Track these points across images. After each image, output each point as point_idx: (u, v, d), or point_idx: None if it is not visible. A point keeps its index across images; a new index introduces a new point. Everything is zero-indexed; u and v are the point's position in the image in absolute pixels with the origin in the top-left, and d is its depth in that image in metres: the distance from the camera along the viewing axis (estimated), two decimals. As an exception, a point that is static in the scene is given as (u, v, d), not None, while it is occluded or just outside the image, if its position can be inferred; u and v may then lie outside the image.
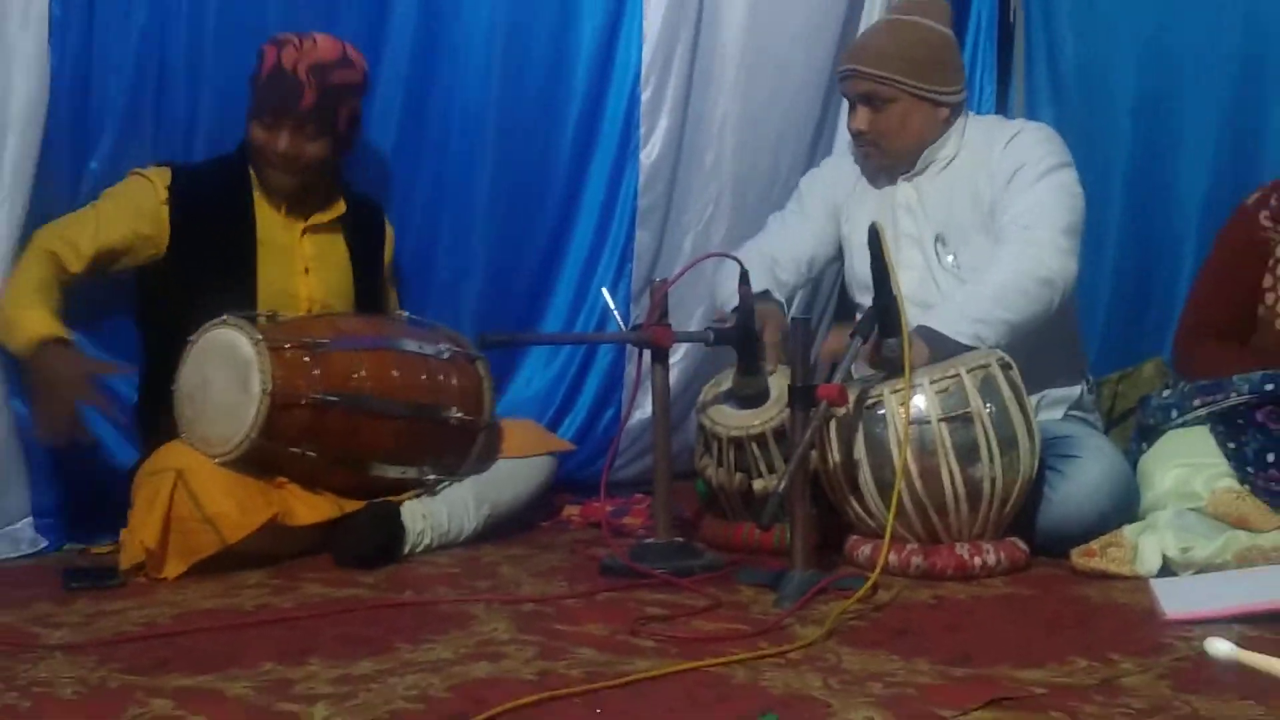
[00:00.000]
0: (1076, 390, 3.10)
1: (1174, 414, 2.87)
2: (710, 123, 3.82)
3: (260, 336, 2.72)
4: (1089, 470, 2.76)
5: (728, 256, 2.97)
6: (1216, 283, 3.17)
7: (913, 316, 2.70)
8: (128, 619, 2.29)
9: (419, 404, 2.90)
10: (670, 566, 2.59)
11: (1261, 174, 3.51)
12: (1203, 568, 2.49)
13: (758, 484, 2.83)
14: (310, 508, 2.78)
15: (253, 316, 2.81)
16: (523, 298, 3.70)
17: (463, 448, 3.00)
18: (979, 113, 3.54)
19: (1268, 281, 3.01)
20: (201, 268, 2.98)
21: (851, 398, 2.60)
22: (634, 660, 1.98)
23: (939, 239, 3.05)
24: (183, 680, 1.88)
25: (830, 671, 1.92)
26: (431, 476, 2.94)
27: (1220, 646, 1.53)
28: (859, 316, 2.74)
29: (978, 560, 2.61)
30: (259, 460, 2.73)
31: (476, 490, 3.01)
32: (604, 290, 3.34)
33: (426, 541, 2.87)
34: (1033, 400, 2.78)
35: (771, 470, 2.82)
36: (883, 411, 2.62)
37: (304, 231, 3.13)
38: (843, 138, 3.98)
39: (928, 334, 2.71)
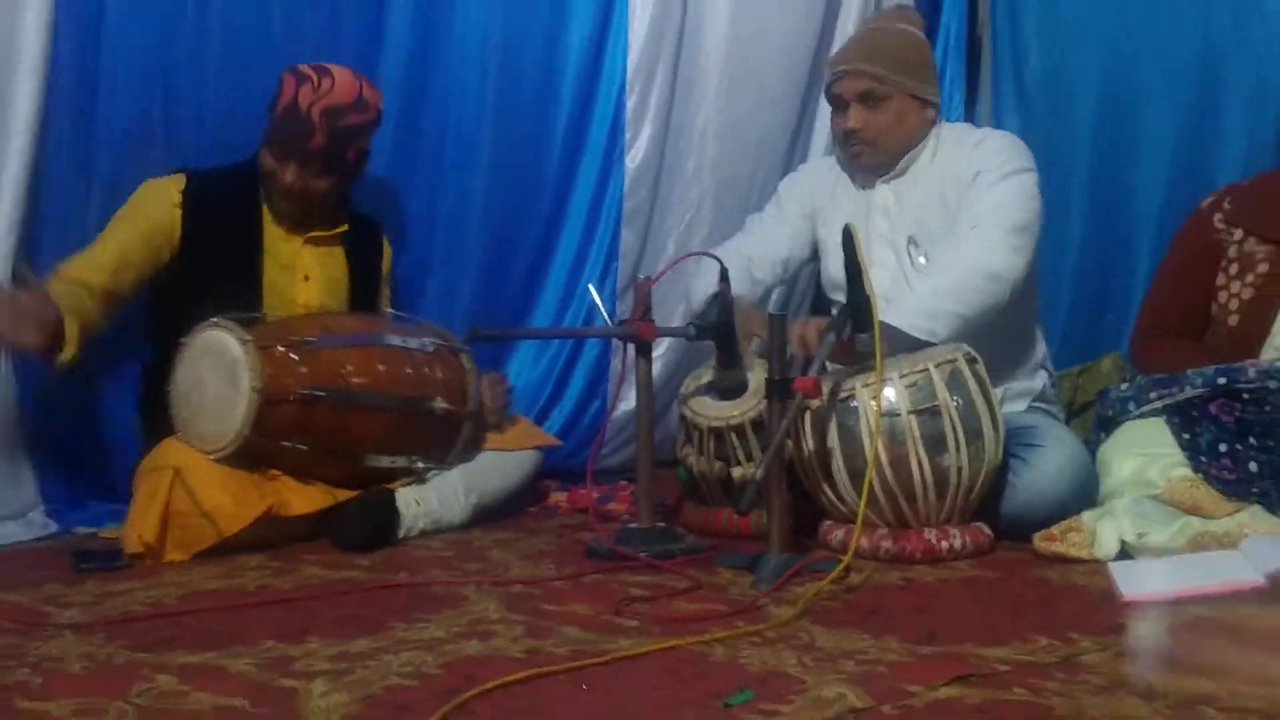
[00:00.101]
0: (1039, 383, 3.10)
1: (1131, 406, 2.88)
2: (692, 130, 3.82)
3: (248, 336, 2.71)
4: (1050, 459, 2.76)
5: (708, 255, 2.98)
6: (1172, 282, 3.18)
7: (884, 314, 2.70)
8: (135, 599, 2.28)
9: (405, 396, 2.89)
10: (653, 550, 2.59)
11: (1216, 179, 3.53)
12: (1158, 552, 2.49)
13: (736, 472, 2.83)
14: (304, 498, 2.78)
15: (242, 318, 2.79)
16: (514, 294, 3.69)
17: (449, 437, 3.00)
18: (948, 120, 3.54)
19: (1221, 281, 3.02)
20: (209, 272, 2.97)
21: (825, 390, 2.61)
22: (618, 639, 1.98)
23: (911, 241, 3.05)
24: (187, 657, 1.88)
25: (804, 649, 1.92)
26: (420, 465, 2.94)
27: None
28: (834, 312, 2.73)
29: (945, 544, 2.61)
30: (252, 455, 2.72)
31: (466, 480, 3.00)
32: (591, 287, 3.34)
33: (420, 527, 2.86)
34: (997, 393, 2.78)
35: (750, 459, 2.82)
36: (855, 404, 2.62)
37: (305, 242, 3.12)
38: (819, 145, 4.00)
39: (884, 329, 2.71)
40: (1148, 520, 2.55)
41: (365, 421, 2.84)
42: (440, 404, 2.94)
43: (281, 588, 2.37)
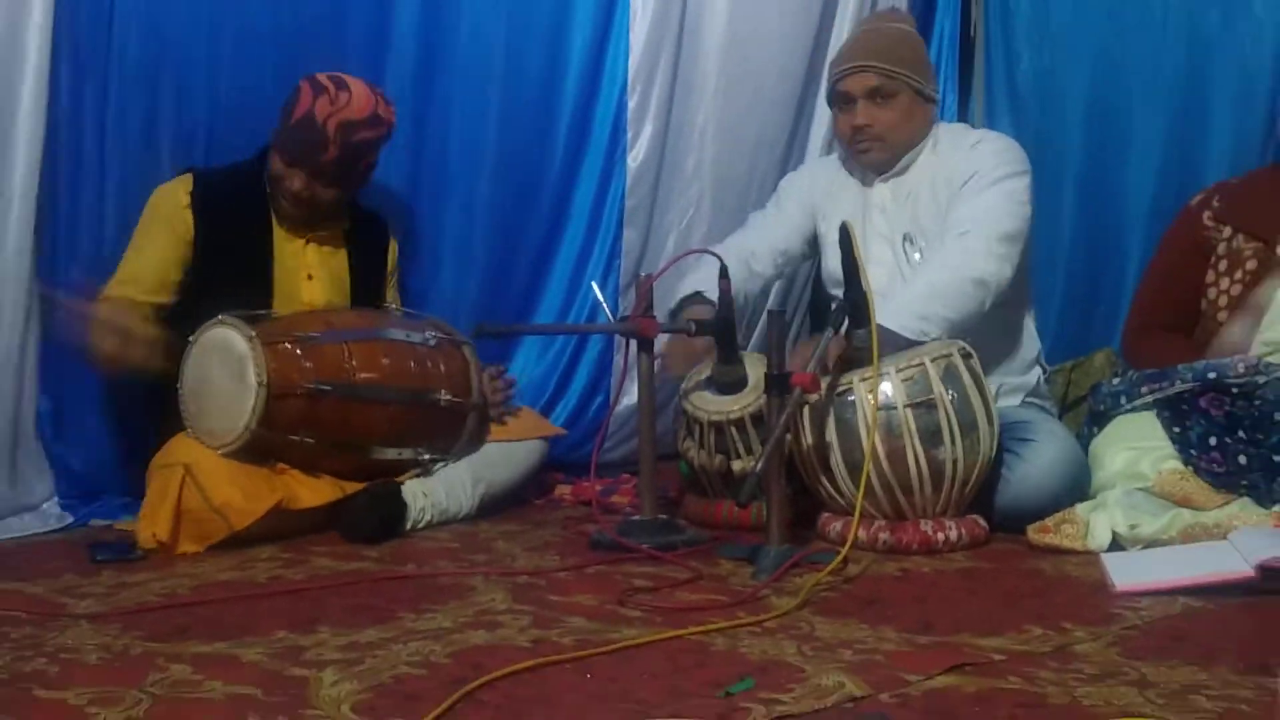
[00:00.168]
0: (1033, 379, 3.10)
1: (1123, 400, 2.88)
2: (692, 129, 3.81)
3: (254, 333, 2.71)
4: (1044, 452, 2.76)
5: (707, 252, 2.97)
6: (1162, 279, 3.18)
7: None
8: (149, 590, 2.28)
9: (409, 389, 2.89)
10: (655, 542, 2.59)
11: (1204, 178, 3.52)
12: (1150, 543, 2.50)
13: (736, 465, 2.83)
14: (312, 491, 2.77)
15: (247, 315, 2.79)
16: (518, 292, 3.69)
17: (454, 429, 2.99)
18: (943, 120, 3.53)
19: (1210, 278, 3.02)
20: (220, 271, 2.97)
21: (823, 385, 2.60)
22: (621, 629, 1.98)
23: (907, 238, 3.04)
24: (201, 647, 1.88)
25: (804, 639, 1.92)
26: (427, 457, 2.93)
27: None
28: (833, 307, 2.73)
29: (941, 536, 2.61)
30: (260, 449, 2.71)
31: (472, 470, 3.00)
32: (594, 285, 3.33)
33: (427, 518, 2.86)
34: (992, 387, 2.78)
35: (749, 452, 2.82)
36: (852, 398, 2.62)
37: (308, 241, 3.11)
38: (815, 143, 4.00)
39: (879, 332, 2.71)
40: (1139, 512, 2.55)
41: (370, 415, 2.83)
42: (444, 396, 2.93)
43: (292, 579, 2.37)
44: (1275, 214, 2.97)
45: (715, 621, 2.00)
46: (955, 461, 2.60)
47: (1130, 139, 3.88)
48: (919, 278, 2.88)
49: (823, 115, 3.91)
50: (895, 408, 2.58)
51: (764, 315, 3.60)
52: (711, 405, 2.86)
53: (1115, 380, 2.96)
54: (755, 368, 2.83)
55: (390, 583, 2.35)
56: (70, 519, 2.89)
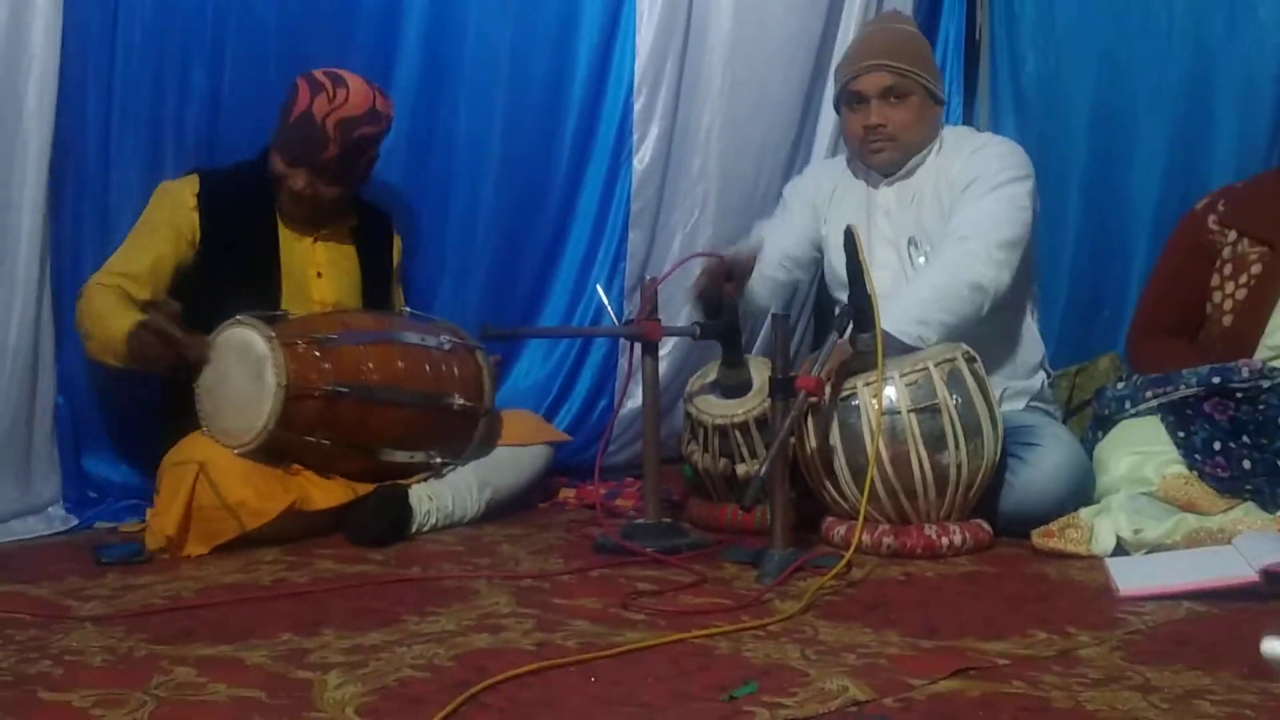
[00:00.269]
0: (1037, 383, 3.09)
1: (1127, 405, 2.88)
2: (697, 131, 3.81)
3: (273, 334, 2.71)
4: (1048, 457, 2.76)
5: (713, 255, 2.97)
6: (1167, 283, 3.18)
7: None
8: (154, 592, 2.28)
9: (424, 393, 2.89)
10: (659, 545, 2.59)
11: (1209, 182, 3.52)
12: (1154, 548, 2.49)
13: (740, 469, 2.83)
14: (325, 492, 2.78)
15: (266, 315, 2.79)
16: (523, 294, 3.69)
17: (466, 433, 3.00)
18: (947, 124, 3.53)
19: (1215, 282, 3.02)
20: (227, 271, 2.97)
21: (828, 389, 2.60)
22: (625, 632, 1.98)
23: (911, 241, 3.04)
24: (205, 650, 1.88)
25: (808, 643, 1.92)
26: (438, 460, 2.94)
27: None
28: (836, 311, 2.73)
29: (945, 540, 2.61)
30: (276, 449, 2.72)
31: (479, 475, 3.00)
32: (599, 288, 3.34)
33: (432, 522, 2.86)
34: (996, 392, 2.78)
35: (753, 456, 2.82)
36: (856, 402, 2.62)
37: (316, 239, 3.12)
38: (821, 146, 4.00)
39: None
40: (1143, 517, 2.55)
41: (386, 417, 2.84)
42: (458, 401, 2.94)
43: (297, 582, 2.37)
44: (1280, 218, 2.98)
45: (719, 625, 2.00)
46: (959, 466, 2.60)
47: (1135, 143, 3.88)
48: (918, 282, 2.88)
49: (828, 117, 3.91)
50: (899, 412, 2.58)
51: (768, 319, 3.60)
52: (716, 409, 2.86)
53: (1120, 385, 2.96)
54: (760, 371, 2.83)
55: (394, 586, 2.36)
56: (75, 521, 2.90)
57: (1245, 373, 2.63)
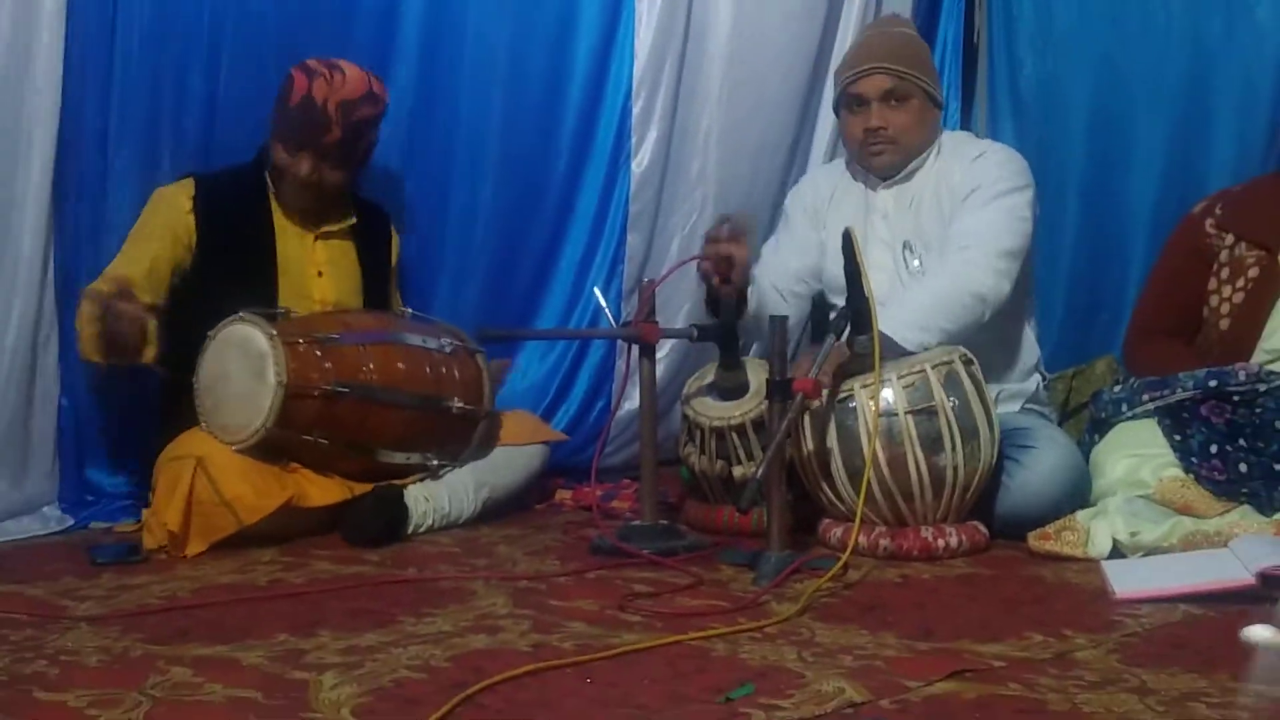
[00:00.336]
0: (1031, 385, 3.09)
1: (1124, 408, 2.88)
2: (696, 134, 3.81)
3: (275, 331, 2.72)
4: (1045, 459, 2.76)
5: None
6: (1164, 286, 3.18)
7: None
8: (150, 592, 2.28)
9: (423, 394, 2.89)
10: (655, 547, 2.59)
11: (1206, 185, 3.52)
12: (1150, 550, 2.49)
13: (737, 471, 2.83)
14: (322, 490, 2.78)
15: (268, 313, 2.80)
16: (521, 296, 3.69)
17: (464, 435, 3.00)
18: (945, 128, 3.53)
19: (1212, 285, 3.02)
20: (225, 272, 2.98)
21: (825, 391, 2.60)
22: (622, 634, 1.98)
23: (906, 245, 3.03)
24: (201, 650, 1.88)
25: (804, 645, 1.92)
26: (435, 462, 2.94)
27: (1260, 632, 1.53)
28: (832, 315, 2.73)
29: (941, 542, 2.61)
30: (274, 447, 2.72)
31: (476, 475, 3.00)
32: (596, 290, 3.33)
33: (429, 523, 2.86)
34: (992, 394, 2.78)
35: (750, 458, 2.82)
36: (853, 404, 2.62)
37: (317, 238, 3.12)
38: (819, 149, 4.00)
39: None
40: (1140, 519, 2.55)
41: (385, 418, 2.84)
42: (457, 403, 2.94)
43: (293, 582, 2.37)
44: (1277, 221, 2.97)
45: (716, 627, 2.00)
46: (956, 468, 2.60)
47: (1133, 146, 3.88)
48: (920, 288, 2.88)
49: (826, 120, 3.91)
50: (896, 414, 2.58)
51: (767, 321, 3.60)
52: (713, 411, 2.86)
53: (1116, 387, 2.96)
54: (757, 373, 2.83)
55: (391, 586, 2.36)
56: (71, 521, 2.90)
57: (1242, 376, 2.64)
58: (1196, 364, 2.82)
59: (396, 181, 3.44)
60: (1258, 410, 2.61)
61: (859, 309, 2.57)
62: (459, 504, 2.93)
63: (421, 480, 2.91)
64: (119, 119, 3.01)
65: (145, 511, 2.72)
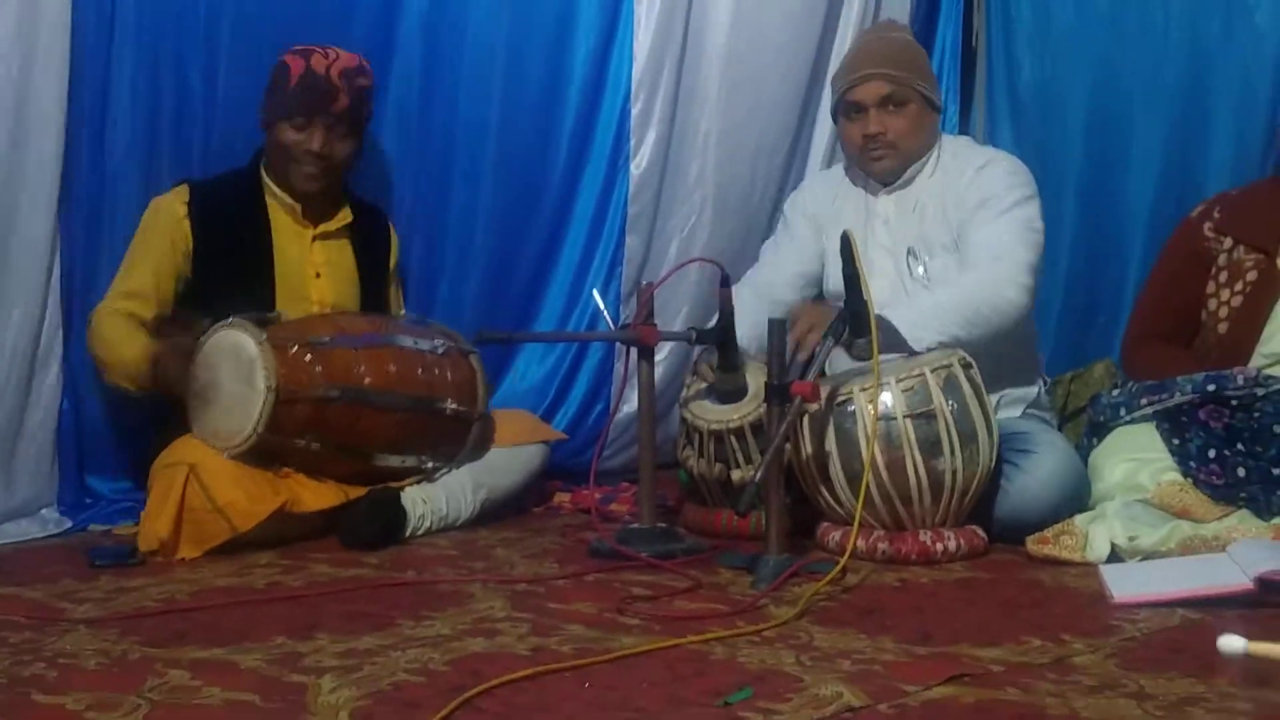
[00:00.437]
0: (1034, 390, 3.09)
1: (1122, 412, 2.88)
2: (695, 136, 3.81)
3: (264, 336, 2.71)
4: (1044, 464, 2.76)
5: (709, 262, 2.97)
6: (1162, 290, 3.19)
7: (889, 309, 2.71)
8: (147, 595, 2.28)
9: (416, 396, 2.89)
10: (654, 550, 2.59)
11: (1205, 187, 3.53)
12: (1148, 555, 2.49)
13: (736, 474, 2.83)
14: (316, 495, 2.78)
15: (258, 318, 2.80)
16: (519, 298, 3.69)
17: (459, 437, 2.99)
18: (944, 131, 3.53)
19: (1210, 289, 3.02)
20: (223, 275, 2.99)
21: (823, 394, 2.61)
22: (620, 637, 1.98)
23: (910, 252, 3.04)
24: (199, 653, 1.88)
25: (802, 649, 1.92)
26: (430, 464, 2.94)
27: (1233, 643, 1.53)
28: (831, 319, 2.73)
29: (940, 546, 2.61)
30: (266, 452, 2.72)
31: (473, 476, 3.00)
32: (595, 292, 3.33)
33: (426, 525, 2.86)
34: (993, 399, 2.78)
35: (749, 461, 2.82)
36: (852, 408, 2.62)
37: (314, 239, 3.12)
38: (818, 151, 4.00)
39: (885, 326, 2.72)
40: (1138, 524, 2.55)
41: (377, 421, 2.84)
42: (451, 405, 2.93)
43: (291, 585, 2.37)
44: (1276, 226, 2.98)
45: (714, 630, 2.01)
46: (954, 472, 2.60)
47: (1131, 148, 3.88)
48: (942, 290, 2.87)
49: (825, 123, 3.90)
50: (895, 418, 2.59)
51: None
52: (711, 414, 2.86)
53: (1115, 391, 2.97)
54: (755, 377, 2.83)
55: (389, 589, 2.36)
56: (69, 524, 2.89)
57: (1240, 380, 2.64)
58: (1195, 368, 2.82)
59: (395, 183, 3.45)
60: (1256, 414, 2.61)
61: (857, 312, 2.57)
62: (457, 505, 2.94)
63: (417, 483, 2.91)
64: (118, 120, 3.01)
65: (142, 514, 2.72)
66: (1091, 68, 3.96)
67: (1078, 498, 2.76)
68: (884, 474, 2.58)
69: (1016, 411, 3.01)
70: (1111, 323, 3.80)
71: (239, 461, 2.68)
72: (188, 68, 3.11)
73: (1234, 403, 2.64)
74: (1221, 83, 3.71)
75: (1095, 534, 2.55)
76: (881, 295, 2.81)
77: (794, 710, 1.61)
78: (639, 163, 3.73)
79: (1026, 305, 2.90)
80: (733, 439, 2.82)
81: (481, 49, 3.52)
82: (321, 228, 3.13)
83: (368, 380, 2.83)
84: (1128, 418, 2.85)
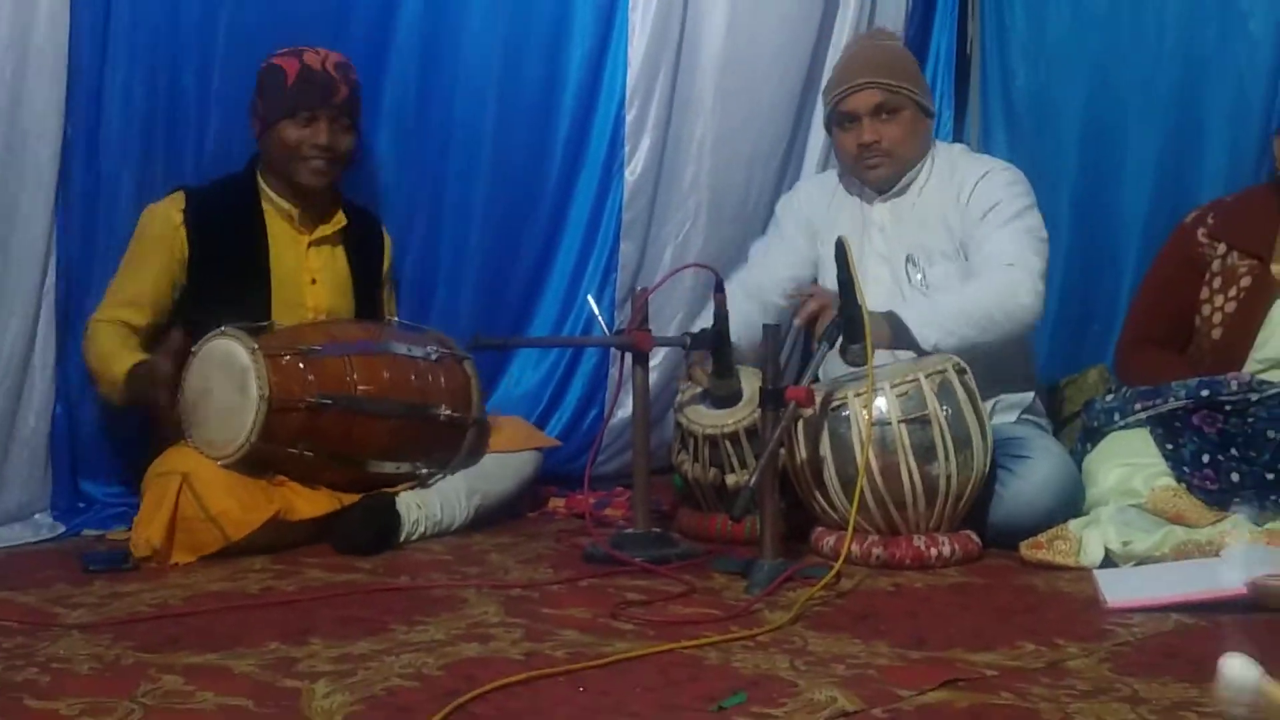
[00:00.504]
0: (1029, 396, 3.09)
1: (1116, 417, 2.88)
2: (689, 142, 3.81)
3: (256, 345, 2.71)
4: (1038, 469, 2.76)
5: (704, 268, 2.97)
6: (1156, 296, 3.19)
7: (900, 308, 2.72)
8: (141, 600, 2.28)
9: (409, 403, 2.89)
10: (648, 555, 2.59)
11: (1198, 196, 3.52)
12: (1142, 559, 2.50)
13: (730, 479, 2.83)
14: (310, 503, 2.77)
15: (250, 327, 2.79)
16: (514, 303, 3.68)
17: (453, 443, 2.99)
18: (938, 138, 3.53)
19: (1204, 295, 3.02)
20: (218, 283, 2.98)
21: (818, 399, 2.60)
22: (614, 642, 1.98)
23: (909, 259, 3.04)
24: (192, 658, 1.88)
25: (797, 653, 1.92)
26: (425, 471, 2.93)
27: (1245, 674, 1.50)
28: (826, 325, 2.73)
29: (934, 551, 2.61)
30: (259, 461, 2.72)
31: (468, 482, 3.00)
32: (589, 298, 3.33)
33: (421, 530, 2.86)
34: (988, 405, 2.78)
35: (743, 466, 2.81)
36: (847, 413, 2.62)
37: (309, 245, 3.12)
38: (812, 157, 3.99)
39: (895, 323, 2.72)
40: (1132, 529, 2.55)
41: (371, 428, 2.84)
42: (444, 411, 2.93)
43: (284, 590, 2.37)
44: (1270, 231, 2.98)
45: (708, 635, 2.01)
46: (949, 477, 2.60)
47: (1125, 156, 3.88)
48: (957, 293, 2.88)
49: (819, 129, 3.89)
50: (889, 423, 2.59)
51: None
52: (706, 419, 2.86)
53: (1109, 397, 2.96)
54: (750, 382, 2.83)
55: (383, 594, 2.35)
56: (62, 528, 2.89)
57: (1234, 386, 2.64)
58: (1189, 373, 2.83)
59: (390, 188, 3.44)
60: (1250, 420, 2.61)
61: (851, 317, 2.57)
62: (451, 511, 2.93)
63: (411, 489, 2.90)
64: (113, 123, 3.01)
65: (135, 520, 2.71)
66: (1086, 75, 3.96)
67: (1072, 503, 2.76)
68: (878, 479, 2.58)
69: (1011, 417, 3.01)
70: (1106, 330, 3.80)
71: (232, 470, 2.68)
72: (183, 71, 3.11)
73: (1228, 408, 2.64)
74: (1216, 91, 3.71)
75: (1089, 539, 2.55)
76: (875, 303, 2.80)
77: (788, 715, 1.61)
78: (634, 169, 3.73)
79: (1039, 311, 2.90)
80: (727, 444, 2.82)
81: (476, 55, 3.52)
82: (317, 233, 3.13)
83: (361, 388, 2.83)
84: (1121, 423, 2.85)
